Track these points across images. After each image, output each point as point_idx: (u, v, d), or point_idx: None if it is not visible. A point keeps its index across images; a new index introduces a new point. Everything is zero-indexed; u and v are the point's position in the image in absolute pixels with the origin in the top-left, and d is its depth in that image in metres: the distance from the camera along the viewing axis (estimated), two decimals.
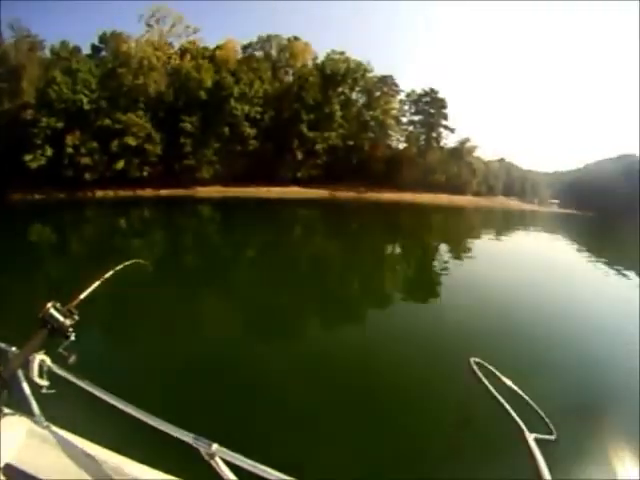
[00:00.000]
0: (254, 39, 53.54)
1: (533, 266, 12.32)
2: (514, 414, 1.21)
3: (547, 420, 1.34)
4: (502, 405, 1.23)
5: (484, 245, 16.30)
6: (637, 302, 8.18)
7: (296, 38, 52.83)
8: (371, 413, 3.72)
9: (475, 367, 1.39)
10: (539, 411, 1.36)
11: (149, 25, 45.40)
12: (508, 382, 1.39)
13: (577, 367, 4.99)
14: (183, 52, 46.70)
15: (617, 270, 12.81)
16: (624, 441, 2.94)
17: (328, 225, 20.01)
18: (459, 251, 14.08)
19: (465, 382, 1.41)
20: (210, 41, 51.61)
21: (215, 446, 1.04)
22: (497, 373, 1.41)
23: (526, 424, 1.20)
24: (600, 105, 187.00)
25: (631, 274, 12.28)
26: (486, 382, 1.33)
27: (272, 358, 4.89)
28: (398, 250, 14.09)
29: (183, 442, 1.05)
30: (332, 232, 17.00)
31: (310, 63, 52.45)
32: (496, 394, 1.28)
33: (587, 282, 11.45)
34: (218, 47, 48.19)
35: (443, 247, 14.99)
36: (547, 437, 1.24)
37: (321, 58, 52.16)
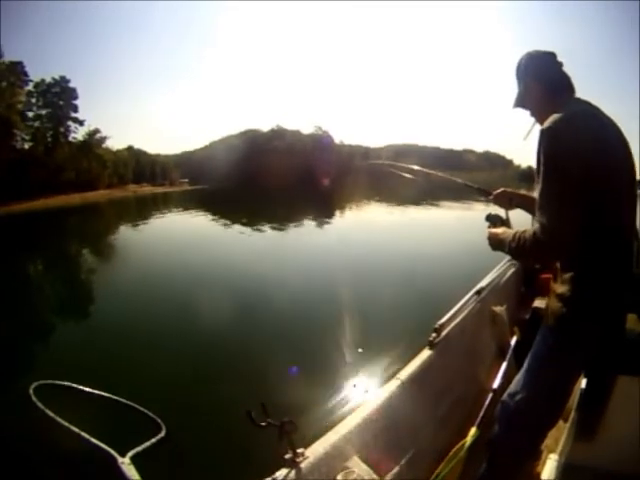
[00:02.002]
0: None
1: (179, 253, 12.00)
2: (96, 441, 1.02)
3: (153, 416, 1.24)
4: (81, 436, 1.02)
5: (124, 239, 16.82)
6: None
7: None
8: None
9: (35, 398, 1.09)
10: (145, 411, 1.25)
11: None
12: (105, 394, 1.23)
13: None
14: None
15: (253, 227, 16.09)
16: None
17: None
18: (103, 253, 14.23)
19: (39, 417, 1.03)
20: None
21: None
22: (84, 388, 1.23)
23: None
24: (226, 84, 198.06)
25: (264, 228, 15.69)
26: (50, 413, 1.05)
27: None
28: (44, 271, 12.47)
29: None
30: None
31: None
32: (67, 424, 1.04)
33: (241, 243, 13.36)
34: None
35: (86, 252, 14.78)
36: (142, 447, 1.08)
37: None
